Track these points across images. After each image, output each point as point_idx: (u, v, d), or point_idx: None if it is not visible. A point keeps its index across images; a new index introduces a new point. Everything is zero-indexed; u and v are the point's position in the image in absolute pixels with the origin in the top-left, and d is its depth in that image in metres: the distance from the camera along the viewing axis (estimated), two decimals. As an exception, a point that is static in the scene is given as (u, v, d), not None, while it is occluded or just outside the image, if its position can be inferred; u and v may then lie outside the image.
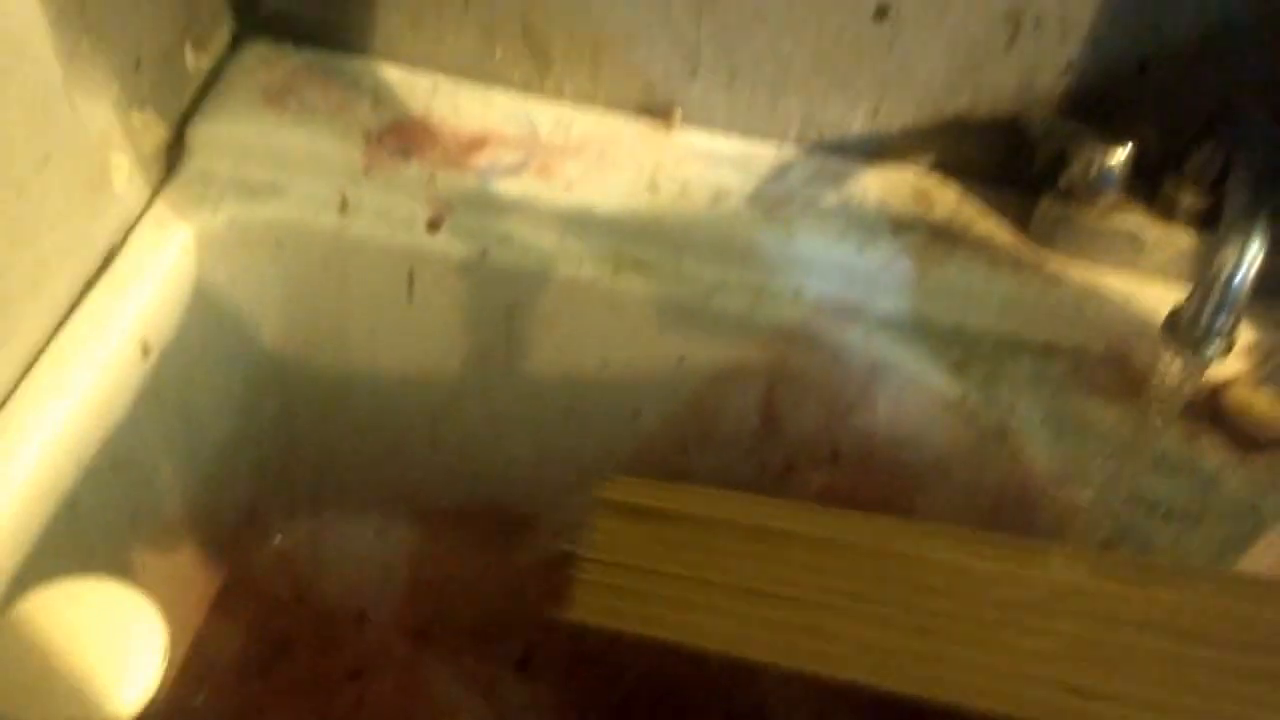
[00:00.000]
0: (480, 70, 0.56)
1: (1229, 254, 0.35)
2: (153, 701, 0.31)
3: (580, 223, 0.52)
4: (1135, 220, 0.50)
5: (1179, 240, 0.50)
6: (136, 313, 0.47)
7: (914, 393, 0.51)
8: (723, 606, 0.43)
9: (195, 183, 0.51)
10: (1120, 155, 0.49)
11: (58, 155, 0.42)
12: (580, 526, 0.54)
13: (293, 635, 0.66)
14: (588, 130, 0.55)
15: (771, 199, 0.53)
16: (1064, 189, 0.50)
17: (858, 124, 0.54)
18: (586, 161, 0.53)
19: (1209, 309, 0.36)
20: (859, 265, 0.52)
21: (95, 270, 0.47)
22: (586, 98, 0.56)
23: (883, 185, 0.54)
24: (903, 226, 0.53)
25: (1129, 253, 0.51)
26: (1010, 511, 0.49)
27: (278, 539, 0.68)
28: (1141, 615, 0.37)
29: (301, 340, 0.57)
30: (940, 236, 0.52)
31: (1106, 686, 0.37)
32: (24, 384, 0.43)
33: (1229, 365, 0.50)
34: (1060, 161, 0.50)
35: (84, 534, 0.45)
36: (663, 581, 0.44)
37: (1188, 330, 0.36)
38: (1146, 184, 0.50)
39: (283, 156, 0.52)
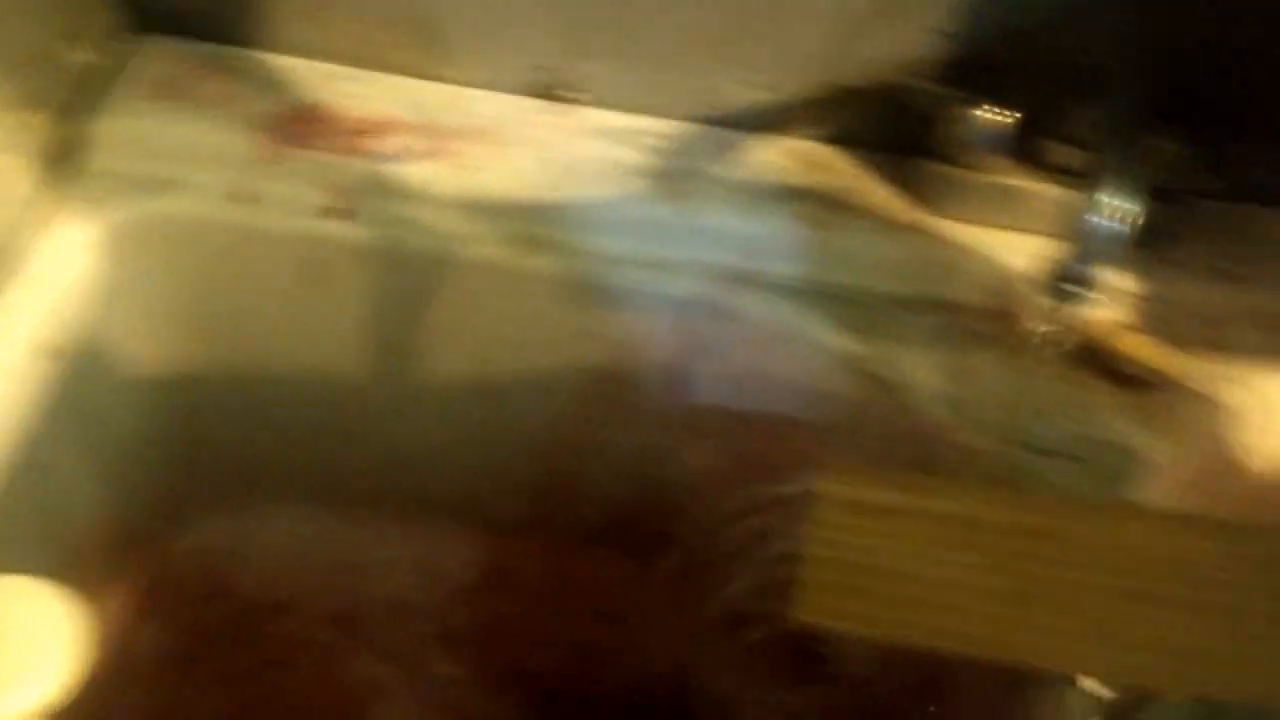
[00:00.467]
0: (375, 58, 0.56)
1: (1097, 209, 0.38)
2: (72, 697, 0.31)
3: (482, 205, 0.53)
4: (1013, 179, 0.53)
5: (1054, 196, 0.53)
6: (39, 314, 0.46)
7: (814, 353, 0.53)
8: (948, 603, 0.40)
9: (95, 181, 0.51)
10: (998, 119, 0.51)
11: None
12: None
13: (213, 628, 0.66)
14: (485, 113, 0.55)
15: (669, 173, 0.55)
16: (946, 153, 0.53)
17: (750, 98, 0.56)
18: (485, 144, 0.54)
19: (1080, 260, 0.38)
20: (756, 234, 0.53)
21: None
22: (483, 82, 0.56)
23: (777, 157, 0.56)
24: (797, 196, 0.54)
25: (1009, 210, 0.53)
26: (910, 460, 0.52)
27: (195, 534, 0.67)
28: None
29: (209, 334, 0.57)
30: (833, 204, 0.54)
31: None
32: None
33: (1111, 312, 0.53)
34: (941, 127, 0.53)
35: (-4, 536, 0.44)
36: (885, 579, 0.41)
37: (1062, 280, 0.39)
38: (1023, 144, 0.53)
39: (182, 151, 0.52)
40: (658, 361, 0.57)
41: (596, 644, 0.68)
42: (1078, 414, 0.51)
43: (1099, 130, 0.51)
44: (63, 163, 0.51)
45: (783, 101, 0.55)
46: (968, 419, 0.49)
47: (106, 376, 0.52)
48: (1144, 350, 0.53)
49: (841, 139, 0.56)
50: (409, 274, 0.54)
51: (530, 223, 0.53)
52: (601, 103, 0.56)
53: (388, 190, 0.52)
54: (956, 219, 0.54)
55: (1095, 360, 0.53)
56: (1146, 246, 0.53)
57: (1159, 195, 0.52)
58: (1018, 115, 0.51)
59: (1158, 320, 0.53)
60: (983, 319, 0.53)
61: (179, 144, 0.52)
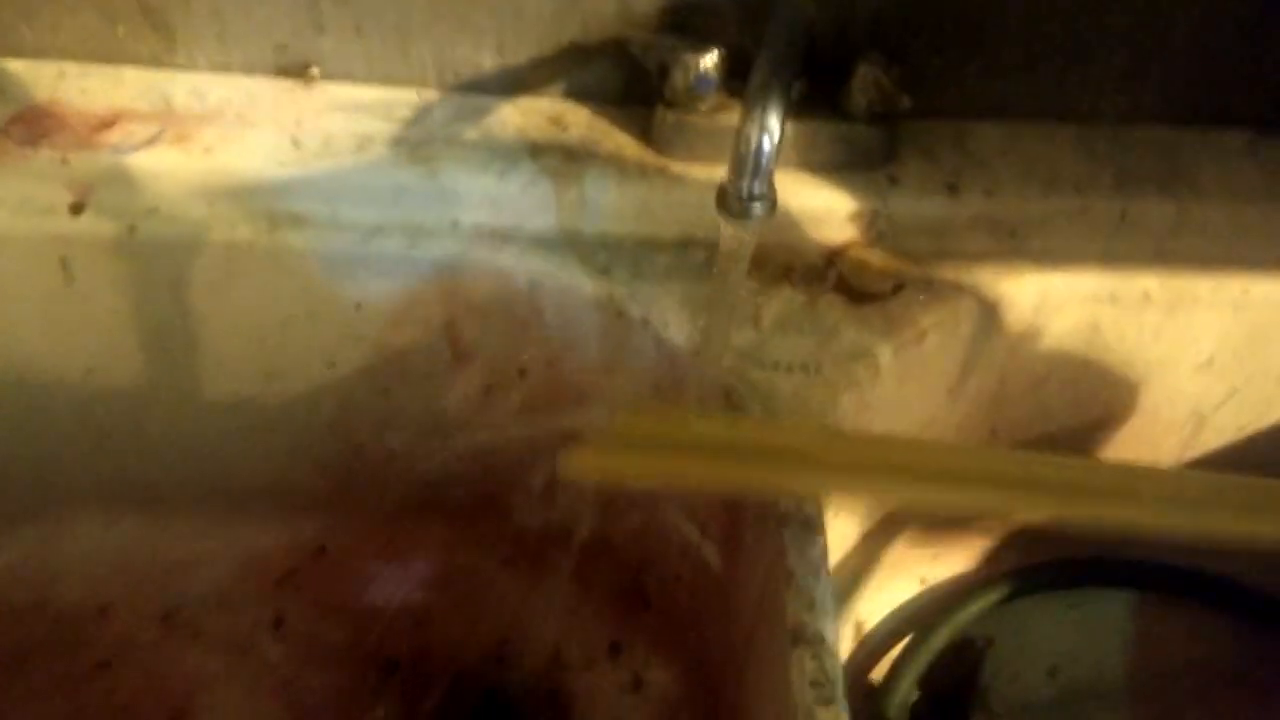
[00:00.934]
0: (105, 52, 0.56)
1: (751, 127, 0.41)
2: None
3: (227, 186, 0.54)
4: (735, 117, 0.56)
5: (778, 130, 0.56)
6: None
7: (570, 300, 0.56)
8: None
9: None
10: (711, 60, 0.54)
11: None
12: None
13: (36, 638, 0.66)
14: (224, 96, 0.56)
15: (414, 140, 0.56)
16: (671, 99, 0.55)
17: (487, 62, 0.58)
18: (225, 126, 0.55)
19: (745, 179, 0.41)
20: (503, 192, 0.55)
21: None
22: (220, 66, 0.57)
23: (518, 116, 0.58)
24: (539, 151, 0.57)
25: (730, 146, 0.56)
26: (665, 391, 0.55)
27: (4, 552, 0.67)
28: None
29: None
30: (574, 156, 0.57)
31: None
32: None
33: (842, 231, 0.57)
34: (664, 74, 0.55)
35: None
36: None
37: (734, 200, 0.42)
38: (741, 82, 0.56)
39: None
40: (432, 323, 0.59)
41: (426, 611, 0.70)
42: (813, 329, 0.54)
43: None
44: None
45: (516, 63, 0.58)
46: (709, 345, 0.52)
47: None
48: (875, 264, 0.56)
49: (576, 94, 0.59)
50: (163, 262, 0.54)
51: (278, 200, 0.54)
52: (342, 77, 0.58)
53: (129, 181, 0.53)
54: (690, 160, 0.56)
55: (834, 278, 0.56)
56: (871, 168, 0.58)
57: (875, 119, 0.57)
58: (730, 54, 0.54)
59: (887, 235, 0.57)
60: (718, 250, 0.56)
61: (-92, 156, 0.51)
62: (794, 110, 0.56)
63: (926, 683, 0.66)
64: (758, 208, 0.41)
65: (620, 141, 0.58)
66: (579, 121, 0.58)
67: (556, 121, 0.58)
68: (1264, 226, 0.58)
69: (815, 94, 0.56)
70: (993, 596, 0.69)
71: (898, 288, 0.56)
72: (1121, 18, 0.57)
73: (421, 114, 0.57)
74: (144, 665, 0.66)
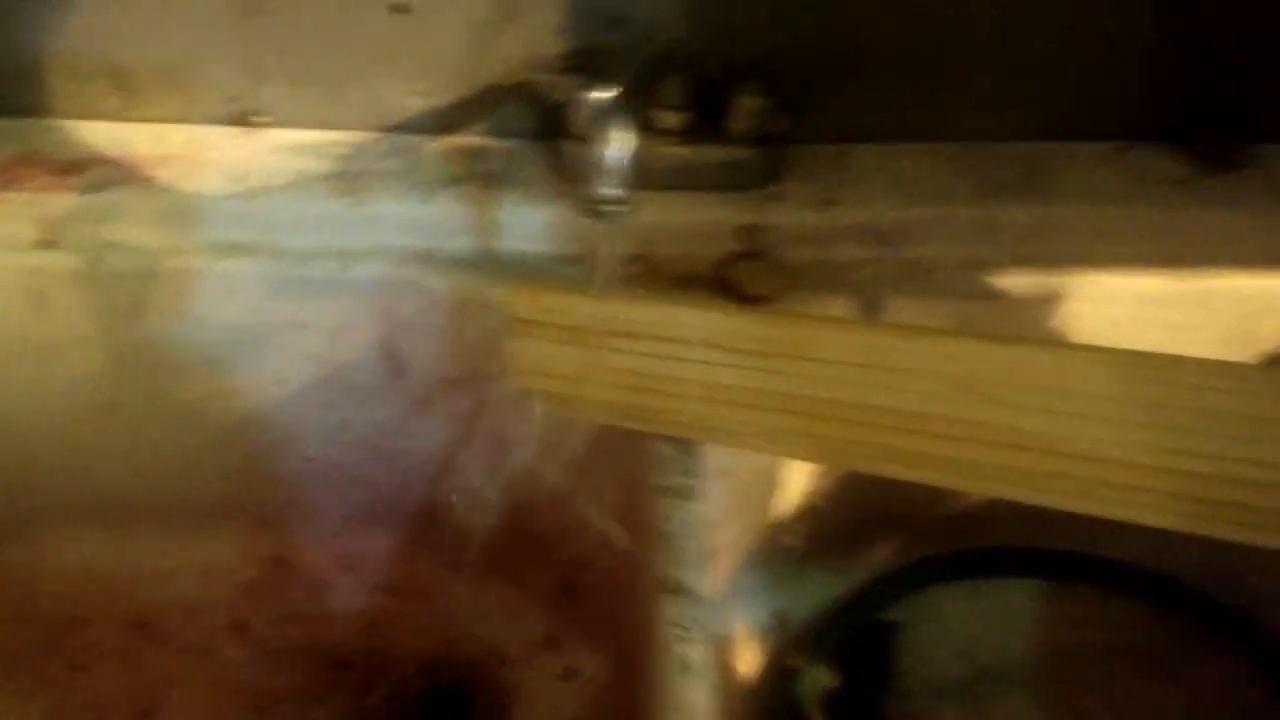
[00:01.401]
0: (77, 109, 0.64)
1: (606, 142, 0.47)
2: None
3: (179, 219, 0.61)
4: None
5: (669, 155, 0.63)
6: None
7: (490, 310, 0.62)
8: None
9: None
10: (608, 96, 0.61)
11: None
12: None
13: (14, 647, 0.71)
14: (179, 143, 0.63)
15: (346, 175, 0.63)
16: (575, 132, 0.62)
17: (414, 105, 0.65)
18: (179, 168, 0.62)
19: (605, 186, 0.48)
20: (426, 217, 0.62)
21: None
22: (176, 118, 0.64)
23: (442, 152, 0.65)
24: (459, 180, 0.63)
25: (630, 170, 0.63)
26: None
27: (-12, 568, 0.73)
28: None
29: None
30: (491, 184, 0.63)
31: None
32: None
33: (731, 243, 0.63)
34: (567, 110, 0.62)
35: None
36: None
37: (596, 205, 0.48)
38: (635, 115, 0.62)
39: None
40: (368, 340, 0.65)
41: (375, 614, 0.75)
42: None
43: (686, 93, 0.61)
44: None
45: (440, 105, 0.65)
46: None
47: None
48: (760, 272, 0.62)
49: (495, 132, 0.66)
50: (124, 290, 0.61)
51: (226, 229, 0.61)
52: (286, 123, 0.65)
53: (94, 218, 0.60)
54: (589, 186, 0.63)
55: (720, 285, 0.63)
56: (757, 187, 0.64)
57: (758, 142, 0.63)
58: (619, 90, 0.61)
59: (772, 246, 0.63)
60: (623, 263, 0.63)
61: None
62: (685, 137, 0.63)
63: (842, 666, 0.71)
64: (617, 209, 0.48)
65: (533, 171, 0.64)
66: (497, 155, 0.65)
67: (476, 155, 0.65)
68: (1123, 227, 0.64)
69: (703, 122, 0.63)
70: (904, 585, 0.74)
71: (779, 292, 0.62)
72: (984, 42, 0.63)
73: (355, 153, 0.64)
74: (116, 668, 0.71)
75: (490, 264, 0.62)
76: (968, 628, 0.74)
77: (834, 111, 0.66)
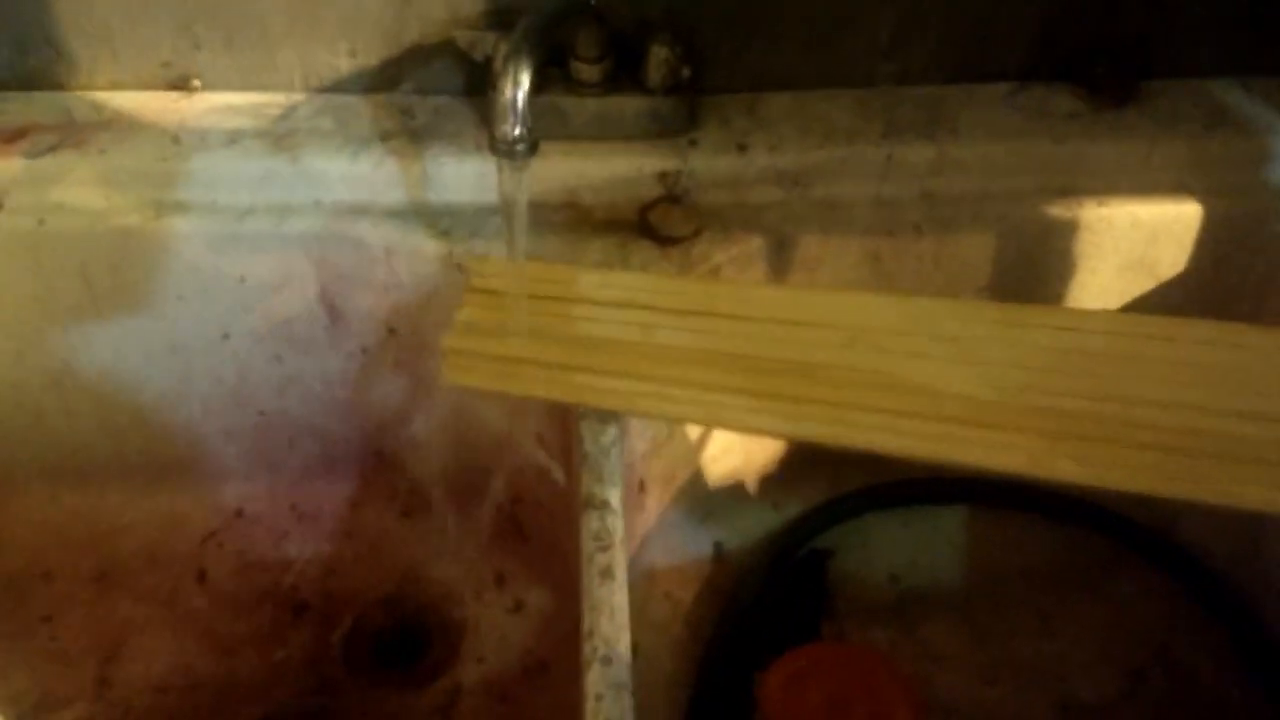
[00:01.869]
0: (19, 79, 0.67)
1: (505, 83, 0.50)
2: None
3: (119, 180, 0.63)
4: (554, 97, 0.66)
5: (589, 106, 0.66)
6: None
7: (420, 259, 0.65)
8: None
9: None
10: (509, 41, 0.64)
11: None
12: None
13: (-15, 602, 0.74)
14: (118, 108, 0.66)
15: (280, 134, 0.66)
16: (496, 84, 0.65)
17: (343, 66, 0.68)
18: (117, 131, 0.65)
19: (507, 125, 0.51)
20: (357, 172, 0.65)
21: None
22: (116, 85, 0.67)
23: (372, 110, 0.68)
24: (389, 136, 0.66)
25: (558, 123, 0.66)
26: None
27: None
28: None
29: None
30: (419, 139, 0.66)
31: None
32: None
33: (650, 189, 0.66)
34: (490, 65, 0.65)
35: None
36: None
37: (501, 144, 0.51)
38: (558, 67, 0.66)
39: None
40: (307, 292, 0.68)
41: (333, 559, 0.78)
42: (627, 267, 0.63)
43: (601, 45, 0.64)
44: None
45: (368, 65, 0.68)
46: None
47: None
48: (678, 214, 0.66)
49: (423, 89, 0.69)
50: (70, 251, 0.64)
51: (164, 189, 0.64)
52: (220, 87, 0.68)
53: (36, 181, 0.63)
54: (516, 135, 0.66)
55: (644, 228, 0.66)
56: (673, 135, 0.67)
57: (670, 91, 0.66)
58: (519, 35, 0.63)
59: (689, 190, 0.66)
60: (548, 210, 0.66)
61: None
62: (604, 88, 0.66)
63: (778, 592, 0.74)
64: (521, 149, 0.51)
65: (460, 125, 0.67)
66: (425, 111, 0.68)
67: (405, 112, 0.68)
68: (1020, 161, 0.68)
69: (621, 75, 0.66)
70: (837, 514, 0.77)
71: (698, 232, 0.65)
72: (886, -10, 0.67)
73: (287, 112, 0.67)
74: (81, 617, 0.74)
75: (418, 215, 0.65)
76: (897, 555, 0.78)
77: (744, 61, 0.69)
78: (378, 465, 0.77)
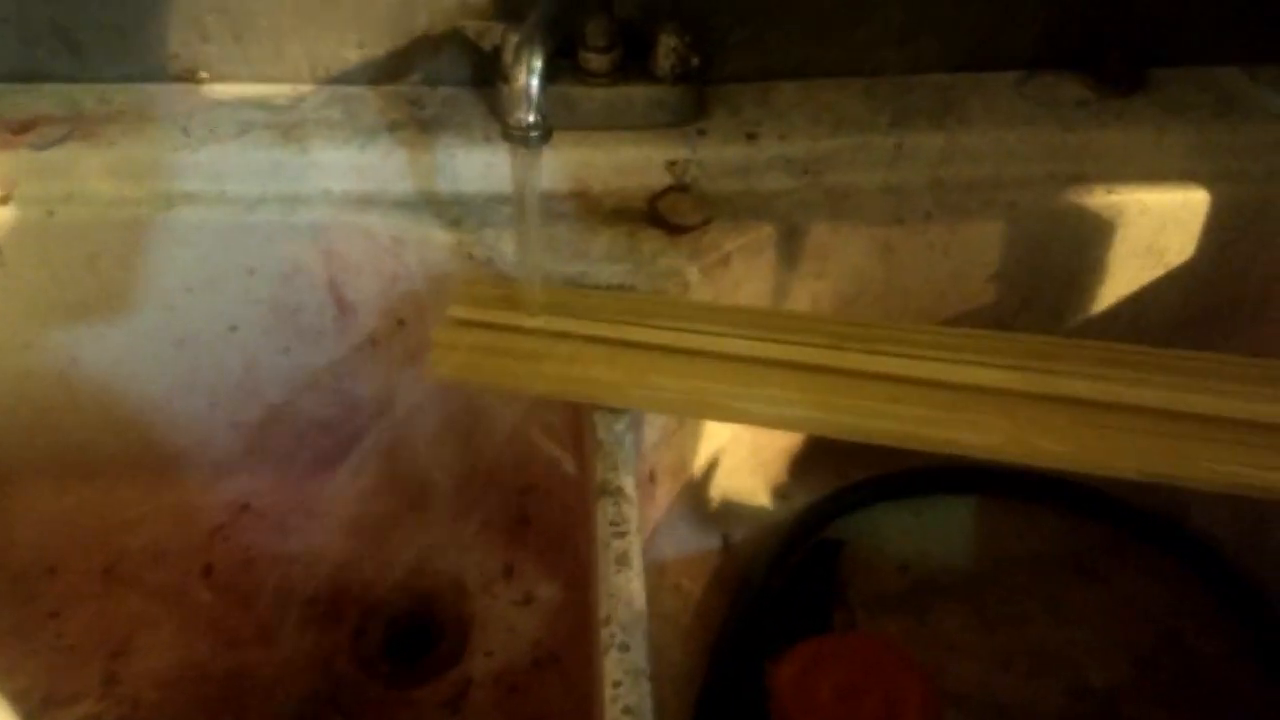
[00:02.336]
0: (28, 72, 0.66)
1: (519, 70, 0.50)
2: None
3: (127, 171, 0.63)
4: (563, 88, 0.65)
5: (599, 95, 0.66)
6: None
7: (429, 249, 0.65)
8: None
9: None
10: (521, 30, 0.64)
11: None
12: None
13: (-7, 598, 0.74)
14: (126, 100, 0.66)
15: (288, 125, 0.66)
16: (507, 76, 0.65)
17: (351, 57, 0.68)
18: (126, 123, 0.65)
19: (520, 112, 0.51)
20: (366, 162, 0.65)
21: None
22: (125, 77, 0.67)
23: (380, 101, 0.68)
24: (397, 126, 0.66)
25: (567, 113, 0.66)
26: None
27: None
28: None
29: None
30: (428, 129, 0.66)
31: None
32: None
33: (660, 178, 0.66)
34: (499, 55, 0.65)
35: None
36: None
37: (515, 131, 0.51)
38: (566, 57, 0.65)
39: None
40: (315, 283, 0.68)
41: (342, 553, 0.78)
42: (633, 258, 0.63)
43: (609, 35, 0.64)
44: None
45: (376, 55, 0.68)
46: (525, 257, 0.60)
47: None
48: (687, 203, 0.66)
49: (431, 80, 0.69)
50: (80, 241, 0.64)
51: (174, 180, 0.64)
52: (229, 79, 0.68)
53: (47, 173, 0.63)
54: (525, 125, 0.66)
55: (650, 217, 0.66)
56: (683, 124, 0.67)
57: (679, 80, 0.66)
58: (531, 23, 0.63)
59: (698, 179, 0.66)
60: (558, 200, 0.66)
61: None
62: (613, 78, 0.66)
63: (789, 583, 0.74)
64: (535, 135, 0.51)
65: (469, 115, 0.67)
66: (433, 101, 0.68)
67: (414, 103, 0.68)
68: (1026, 149, 0.68)
69: (629, 63, 0.66)
70: (846, 504, 0.77)
71: (707, 221, 0.65)
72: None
73: (295, 103, 0.67)
74: (89, 612, 0.74)
75: (428, 205, 0.65)
76: (907, 544, 0.78)
77: (753, 49, 0.69)
78: (386, 457, 0.77)
